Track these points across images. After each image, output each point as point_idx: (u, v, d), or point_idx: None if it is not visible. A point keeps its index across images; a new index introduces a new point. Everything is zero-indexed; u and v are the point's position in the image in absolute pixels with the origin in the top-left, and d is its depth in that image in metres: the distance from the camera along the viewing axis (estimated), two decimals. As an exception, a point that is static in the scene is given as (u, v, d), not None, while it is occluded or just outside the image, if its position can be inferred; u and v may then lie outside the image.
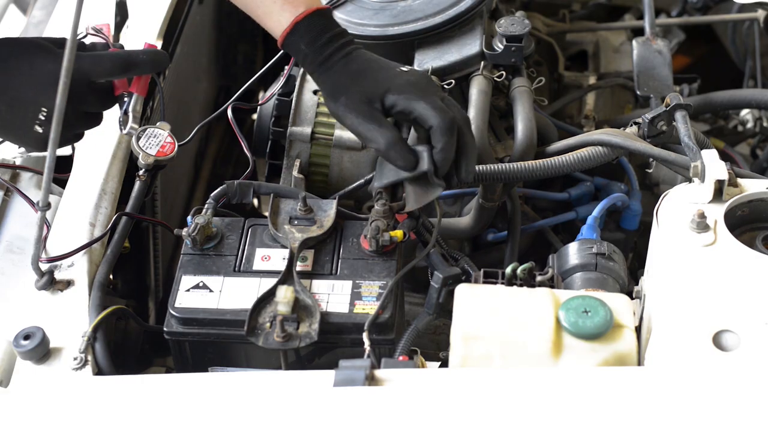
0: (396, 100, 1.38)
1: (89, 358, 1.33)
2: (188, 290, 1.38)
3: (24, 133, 1.35)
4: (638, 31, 2.13)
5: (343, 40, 1.44)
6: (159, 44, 1.86)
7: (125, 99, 1.47)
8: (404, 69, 1.44)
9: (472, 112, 1.65)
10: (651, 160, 1.60)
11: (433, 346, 1.67)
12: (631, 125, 1.65)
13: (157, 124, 1.55)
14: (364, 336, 1.31)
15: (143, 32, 1.89)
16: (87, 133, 1.49)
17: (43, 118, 1.33)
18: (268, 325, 1.32)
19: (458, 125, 1.38)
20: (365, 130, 1.39)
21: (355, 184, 1.65)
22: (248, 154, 1.61)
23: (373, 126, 1.39)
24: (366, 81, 1.41)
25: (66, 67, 1.23)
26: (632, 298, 1.38)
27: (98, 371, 1.33)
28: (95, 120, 1.47)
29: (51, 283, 1.42)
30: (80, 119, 1.43)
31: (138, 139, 1.52)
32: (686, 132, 1.55)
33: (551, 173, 1.58)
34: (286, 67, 1.70)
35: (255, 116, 1.81)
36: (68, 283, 1.43)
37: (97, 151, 1.62)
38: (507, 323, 1.25)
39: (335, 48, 1.42)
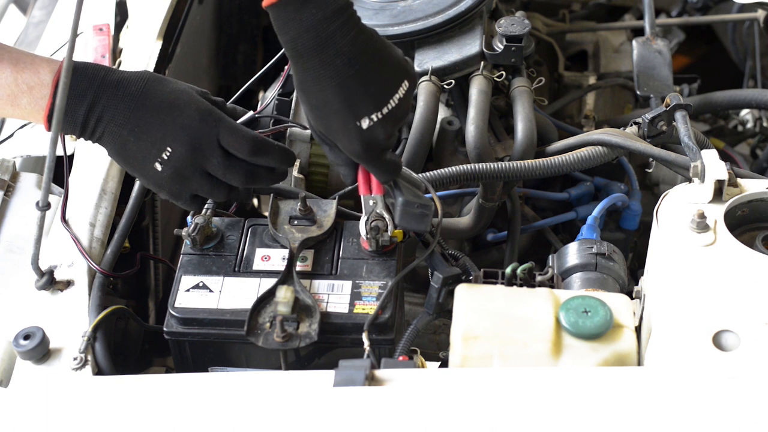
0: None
1: (89, 358, 1.33)
2: (188, 290, 1.38)
3: (142, 166, 1.33)
4: (638, 31, 2.13)
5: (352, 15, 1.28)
6: (159, 44, 1.86)
7: (370, 202, 1.41)
8: (362, 127, 1.28)
9: (472, 112, 1.65)
10: (651, 160, 1.60)
11: (433, 346, 1.67)
12: (631, 125, 1.65)
13: None
14: (364, 336, 1.31)
15: (143, 32, 1.89)
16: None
17: (165, 157, 1.32)
18: (268, 325, 1.32)
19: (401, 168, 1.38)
20: (318, 142, 1.37)
21: (355, 184, 1.65)
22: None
23: (319, 143, 1.36)
24: (317, 114, 1.30)
25: (66, 67, 1.24)
26: (632, 298, 1.38)
27: (98, 371, 1.33)
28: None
29: (51, 283, 1.42)
30: (202, 177, 1.36)
31: None
32: (686, 132, 1.55)
33: (551, 172, 1.59)
34: (286, 67, 1.70)
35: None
36: (68, 283, 1.43)
37: (97, 151, 1.62)
38: (507, 323, 1.25)
39: (337, 26, 1.25)
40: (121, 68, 1.80)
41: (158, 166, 1.33)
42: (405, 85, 1.31)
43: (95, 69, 1.32)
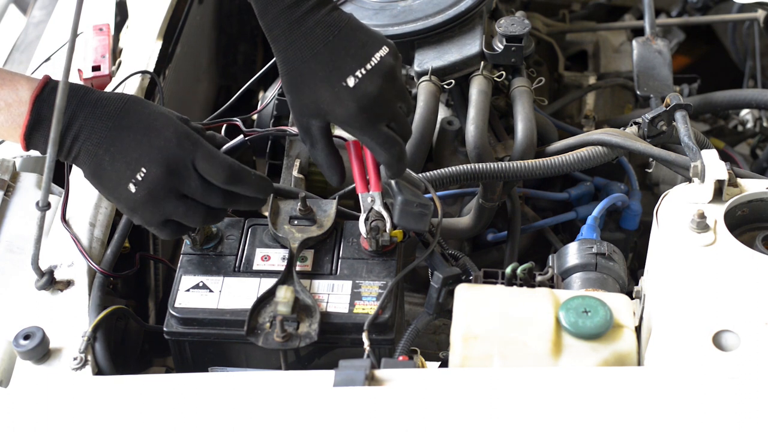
0: (336, 126, 1.35)
1: (89, 358, 1.33)
2: (188, 290, 1.38)
3: (116, 187, 1.32)
4: (638, 31, 2.13)
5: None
6: (159, 44, 1.86)
7: (368, 199, 1.41)
8: (350, 85, 1.30)
9: (472, 112, 1.65)
10: (651, 160, 1.60)
11: (433, 346, 1.67)
12: (631, 125, 1.65)
13: None
14: (364, 336, 1.31)
15: (143, 32, 1.89)
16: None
17: (139, 178, 1.30)
18: (268, 325, 1.32)
19: (404, 150, 1.37)
20: (302, 138, 1.37)
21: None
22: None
23: (306, 140, 1.36)
24: (305, 92, 1.32)
25: (65, 67, 1.24)
26: (632, 298, 1.38)
27: (98, 371, 1.33)
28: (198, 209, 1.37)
29: (51, 283, 1.42)
30: (177, 200, 1.33)
31: None
32: (686, 132, 1.55)
33: (551, 172, 1.59)
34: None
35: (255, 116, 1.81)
36: (68, 283, 1.43)
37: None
38: (507, 323, 1.25)
39: (315, 2, 1.30)
40: (122, 68, 1.81)
41: (132, 188, 1.31)
42: (384, 49, 1.34)
43: (75, 88, 1.31)
